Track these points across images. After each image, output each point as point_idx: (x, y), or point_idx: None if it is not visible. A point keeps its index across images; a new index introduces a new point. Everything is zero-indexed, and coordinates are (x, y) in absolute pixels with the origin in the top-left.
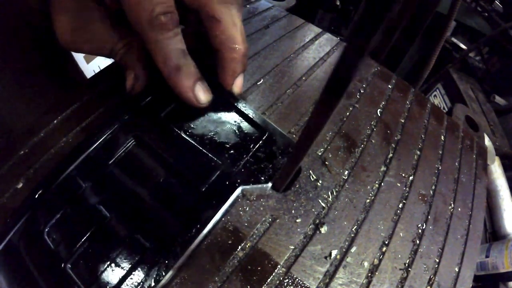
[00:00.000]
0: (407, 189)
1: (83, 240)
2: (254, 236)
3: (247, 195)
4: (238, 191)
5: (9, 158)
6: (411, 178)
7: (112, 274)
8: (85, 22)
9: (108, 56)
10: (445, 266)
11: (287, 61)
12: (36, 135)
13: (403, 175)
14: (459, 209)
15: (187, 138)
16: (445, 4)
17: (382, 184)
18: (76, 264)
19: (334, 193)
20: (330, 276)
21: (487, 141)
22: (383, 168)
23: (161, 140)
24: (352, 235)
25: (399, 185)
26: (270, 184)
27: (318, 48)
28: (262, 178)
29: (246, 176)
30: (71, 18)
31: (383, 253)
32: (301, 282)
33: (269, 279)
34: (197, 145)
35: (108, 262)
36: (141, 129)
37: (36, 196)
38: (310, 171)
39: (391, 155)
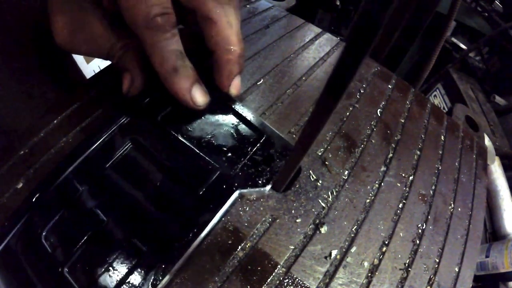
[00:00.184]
0: (407, 189)
1: (80, 244)
2: (254, 236)
3: (244, 198)
4: (235, 194)
5: (9, 158)
6: (411, 178)
7: (109, 278)
8: (83, 23)
9: (105, 58)
10: (445, 266)
11: (287, 61)
12: (36, 135)
13: (403, 175)
14: (459, 209)
15: (184, 141)
16: (445, 4)
17: (382, 184)
18: (74, 268)
19: (334, 193)
20: (330, 276)
21: (487, 141)
22: (383, 168)
23: (158, 143)
24: (352, 235)
25: (399, 185)
26: (267, 188)
27: (318, 48)
28: (260, 181)
29: (243, 179)
30: (69, 19)
31: (383, 253)
32: (301, 282)
33: (269, 279)
34: (194, 148)
35: (105, 266)
36: (138, 132)
37: (34, 200)
38: (310, 171)
39: (391, 155)
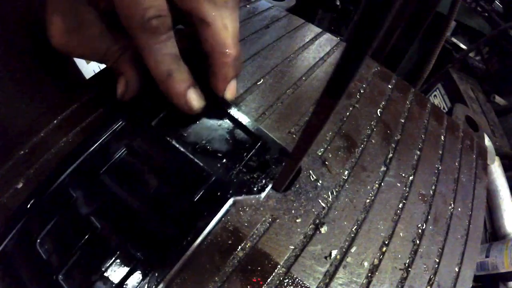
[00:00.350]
0: (407, 189)
1: (75, 250)
2: (254, 236)
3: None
4: (229, 202)
5: (9, 158)
6: (411, 178)
7: (103, 285)
8: (79, 25)
9: (100, 61)
10: (445, 266)
11: (287, 61)
12: (36, 135)
13: (403, 175)
14: (459, 209)
15: (179, 146)
16: (445, 4)
17: (382, 184)
18: (68, 274)
19: (334, 193)
20: (330, 276)
21: (487, 141)
22: (383, 168)
23: (153, 149)
24: (352, 235)
25: (399, 185)
26: (262, 195)
27: (318, 48)
28: (255, 188)
29: (238, 186)
30: (65, 21)
31: (383, 253)
32: (301, 282)
33: (269, 279)
34: (189, 154)
35: (100, 273)
36: (133, 137)
37: (29, 206)
38: (310, 171)
39: (391, 155)
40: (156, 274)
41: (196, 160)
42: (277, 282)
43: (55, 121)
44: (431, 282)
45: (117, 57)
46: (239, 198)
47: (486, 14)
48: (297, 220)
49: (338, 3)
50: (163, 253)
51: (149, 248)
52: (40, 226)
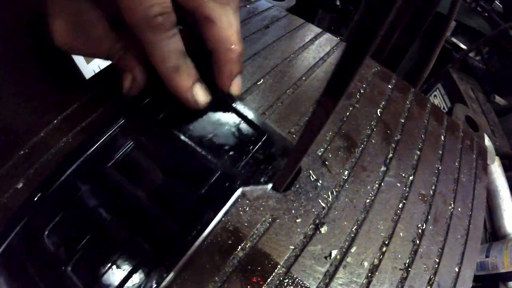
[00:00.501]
0: (407, 189)
1: (83, 243)
2: (254, 236)
3: (247, 196)
4: (238, 192)
5: (9, 158)
6: (411, 178)
7: (112, 276)
8: (82, 23)
9: (105, 58)
10: (445, 266)
11: (287, 61)
12: (36, 135)
13: (403, 175)
14: (459, 209)
15: (186, 140)
16: (445, 4)
17: (382, 184)
18: (77, 266)
19: (334, 193)
20: (330, 276)
21: (487, 141)
22: (383, 168)
23: (160, 143)
24: (352, 235)
25: (399, 185)
26: (269, 186)
27: (318, 48)
28: (262, 179)
29: (245, 177)
30: (68, 20)
31: (383, 253)
32: (301, 282)
33: (269, 279)
34: (196, 147)
35: (109, 265)
36: (140, 131)
37: (35, 199)
38: (310, 171)
39: (391, 155)
40: (167, 264)
41: (203, 153)
42: (277, 282)
43: (55, 121)
44: (431, 282)
45: (122, 54)
46: (247, 188)
47: (486, 14)
48: (297, 220)
49: (338, 3)
50: (172, 244)
51: (158, 239)
52: (48, 219)
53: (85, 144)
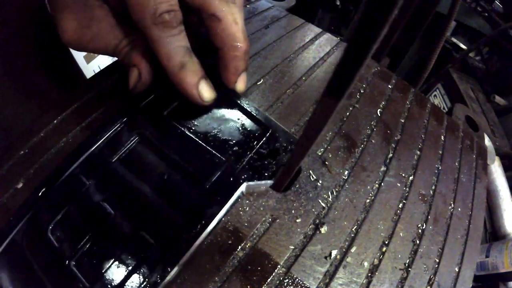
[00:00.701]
0: (407, 189)
1: (87, 237)
2: (254, 236)
3: (247, 195)
4: (242, 187)
5: (9, 158)
6: (411, 178)
7: (116, 271)
8: (89, 20)
9: (112, 54)
10: (445, 266)
11: (287, 61)
12: (36, 135)
13: (403, 175)
14: (459, 209)
15: (191, 135)
16: (445, 4)
17: (382, 184)
18: (81, 261)
19: (334, 193)
20: (330, 276)
21: (487, 141)
22: (383, 168)
23: (165, 138)
24: (352, 235)
25: (399, 185)
26: (273, 180)
27: (318, 48)
28: (266, 174)
29: (250, 172)
30: (75, 17)
31: (383, 253)
32: (301, 282)
33: (269, 279)
34: (201, 142)
35: (113, 259)
36: (145, 126)
37: (40, 194)
38: (310, 171)
39: (391, 155)
40: (171, 258)
41: (208, 147)
42: (277, 282)
43: (55, 121)
44: (431, 282)
45: (128, 50)
46: (251, 183)
47: (486, 14)
48: (297, 220)
49: (338, 3)
50: (177, 238)
51: (163, 234)
52: (52, 214)
53: (90, 139)
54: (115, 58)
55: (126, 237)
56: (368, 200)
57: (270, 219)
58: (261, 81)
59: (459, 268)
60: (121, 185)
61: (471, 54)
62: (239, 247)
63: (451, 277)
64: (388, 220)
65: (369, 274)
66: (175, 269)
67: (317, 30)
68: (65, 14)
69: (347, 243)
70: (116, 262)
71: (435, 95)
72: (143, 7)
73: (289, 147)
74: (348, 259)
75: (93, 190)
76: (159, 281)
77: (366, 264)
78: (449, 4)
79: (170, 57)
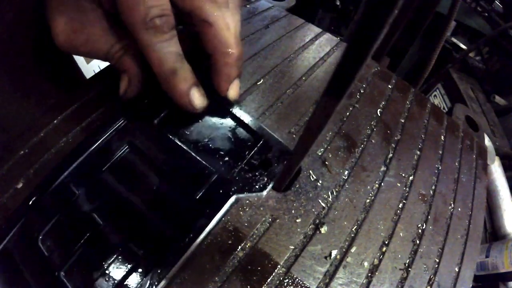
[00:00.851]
0: (407, 189)
1: (77, 247)
2: (254, 236)
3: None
4: (232, 199)
5: (9, 158)
6: (411, 178)
7: (105, 282)
8: (82, 24)
9: (104, 59)
10: (445, 266)
11: (287, 61)
12: (36, 135)
13: (403, 175)
14: (459, 209)
15: (181, 144)
16: (445, 4)
17: (382, 184)
18: (70, 271)
19: (334, 193)
20: (330, 276)
21: (487, 141)
22: (383, 168)
23: (155, 147)
24: (352, 235)
25: (399, 185)
26: (264, 193)
27: (318, 48)
28: (257, 186)
29: (240, 184)
30: (68, 20)
31: (383, 253)
32: (301, 282)
33: (269, 279)
34: (191, 152)
35: (102, 270)
36: (135, 135)
37: (30, 203)
38: (310, 171)
39: (391, 155)
40: (159, 270)
41: (198, 158)
42: (277, 282)
43: (55, 121)
44: (431, 282)
45: (120, 55)
46: (241, 195)
47: (486, 14)
48: (297, 220)
49: (338, 3)
50: (165, 251)
51: (151, 246)
52: (42, 223)
53: (80, 148)
54: None
55: (114, 248)
56: (368, 200)
57: (270, 219)
58: (261, 81)
59: (459, 268)
60: (110, 195)
61: (471, 54)
62: (239, 247)
63: (451, 277)
64: (388, 220)
65: (369, 274)
66: (163, 282)
67: (317, 30)
68: (58, 17)
69: (347, 243)
70: (105, 273)
71: (435, 95)
72: (134, 11)
73: (282, 157)
74: (348, 259)
75: (82, 199)
76: None
77: (366, 264)
78: (449, 4)
79: (161, 63)
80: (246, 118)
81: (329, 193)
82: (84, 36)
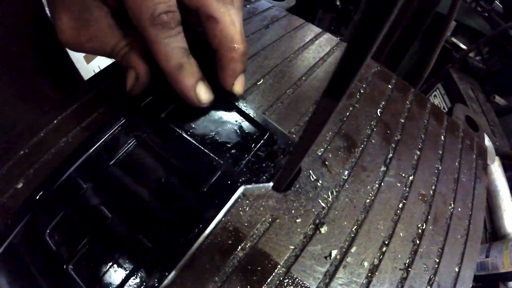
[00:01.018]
0: (407, 189)
1: (84, 241)
2: (254, 236)
3: (247, 195)
4: (240, 190)
5: (9, 158)
6: (411, 178)
7: (114, 274)
8: (87, 21)
9: (109, 56)
10: (445, 266)
11: (287, 61)
12: (36, 135)
13: (403, 175)
14: (459, 209)
15: (188, 138)
16: (445, 4)
17: (382, 184)
18: (78, 265)
19: (334, 193)
20: (330, 276)
21: (487, 141)
22: (383, 168)
23: (162, 140)
24: (352, 235)
25: (399, 185)
26: (271, 184)
27: (318, 48)
28: (264, 177)
29: (247, 175)
30: (73, 17)
31: (383, 253)
32: (301, 282)
33: (269, 279)
34: (198, 145)
35: (111, 263)
36: (142, 129)
37: (37, 198)
38: (310, 171)
39: (391, 155)
40: (169, 262)
41: (205, 150)
42: (277, 282)
43: (55, 121)
44: (431, 282)
45: (126, 51)
46: (248, 186)
47: (486, 14)
48: (297, 220)
49: (338, 3)
50: (174, 242)
51: (160, 237)
52: (50, 217)
53: (87, 142)
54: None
55: (123, 240)
56: (368, 200)
57: (270, 219)
58: (261, 81)
59: (459, 268)
60: (118, 188)
61: (471, 54)
62: (239, 247)
63: (451, 277)
64: (388, 220)
65: (369, 274)
66: (173, 273)
67: (317, 30)
68: (63, 14)
69: (347, 243)
70: (114, 266)
71: (435, 95)
72: (141, 8)
73: (287, 150)
74: (348, 259)
75: (90, 193)
76: (156, 285)
77: (366, 264)
78: (449, 4)
79: (168, 58)
80: (251, 112)
81: (329, 193)
82: (90, 33)
